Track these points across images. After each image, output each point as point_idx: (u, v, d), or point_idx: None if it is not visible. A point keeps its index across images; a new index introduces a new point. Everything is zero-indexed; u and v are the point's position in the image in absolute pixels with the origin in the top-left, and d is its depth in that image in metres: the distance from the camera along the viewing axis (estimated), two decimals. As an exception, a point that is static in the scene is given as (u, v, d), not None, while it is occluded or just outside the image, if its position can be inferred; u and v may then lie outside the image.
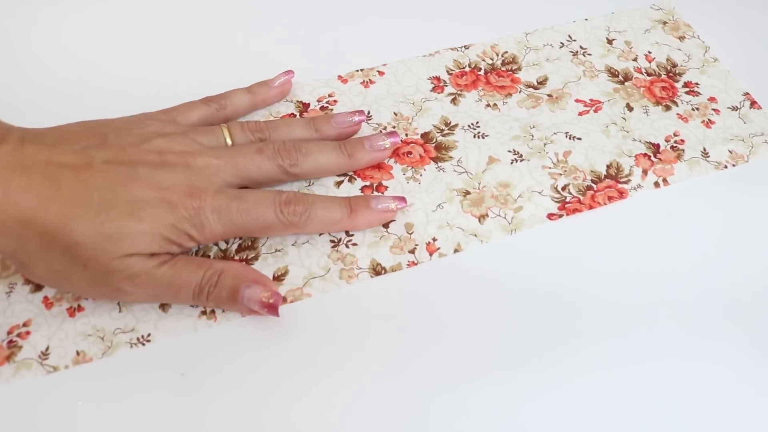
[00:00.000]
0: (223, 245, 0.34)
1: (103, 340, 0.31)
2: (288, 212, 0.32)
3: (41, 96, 0.40)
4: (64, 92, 0.40)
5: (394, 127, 0.39)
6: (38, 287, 0.32)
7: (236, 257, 0.33)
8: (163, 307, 0.32)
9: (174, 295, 0.31)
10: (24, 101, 0.40)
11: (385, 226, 0.35)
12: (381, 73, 0.41)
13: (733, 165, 0.38)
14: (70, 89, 0.40)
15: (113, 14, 0.45)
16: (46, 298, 0.32)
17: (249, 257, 0.34)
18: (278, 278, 0.33)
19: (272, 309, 0.31)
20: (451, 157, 0.37)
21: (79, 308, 0.32)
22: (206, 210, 0.30)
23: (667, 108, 0.40)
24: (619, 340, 0.31)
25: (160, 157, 0.31)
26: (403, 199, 0.34)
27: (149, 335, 0.31)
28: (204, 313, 0.32)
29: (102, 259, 0.28)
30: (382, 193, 0.36)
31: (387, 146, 0.35)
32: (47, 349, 0.31)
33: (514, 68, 0.42)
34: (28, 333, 0.31)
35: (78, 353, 0.31)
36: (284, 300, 0.32)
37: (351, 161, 0.35)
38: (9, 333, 0.31)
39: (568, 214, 0.35)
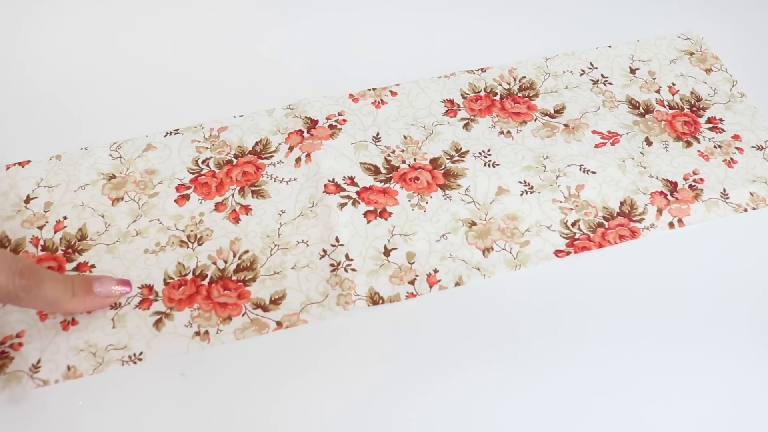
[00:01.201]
0: (222, 264, 0.33)
1: (95, 356, 0.31)
2: (20, 284, 0.29)
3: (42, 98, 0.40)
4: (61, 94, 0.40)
5: (402, 150, 0.38)
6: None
7: (234, 278, 0.33)
8: (157, 325, 0.32)
9: None
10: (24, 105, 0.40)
11: (386, 254, 0.34)
12: (393, 94, 0.40)
13: (754, 208, 0.36)
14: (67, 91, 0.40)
15: (111, 16, 0.45)
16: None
17: (247, 278, 0.33)
18: (275, 302, 0.32)
19: None
20: (459, 186, 0.36)
21: (73, 321, 0.32)
22: None
23: (688, 144, 0.39)
24: (619, 382, 0.30)
25: None
26: (127, 283, 0.32)
27: (141, 353, 0.31)
28: (198, 333, 0.31)
29: None
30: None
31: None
32: (38, 362, 0.30)
33: (531, 94, 0.41)
34: (20, 344, 0.31)
35: (69, 368, 0.30)
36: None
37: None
38: (2, 343, 0.31)
39: (576, 252, 0.34)
